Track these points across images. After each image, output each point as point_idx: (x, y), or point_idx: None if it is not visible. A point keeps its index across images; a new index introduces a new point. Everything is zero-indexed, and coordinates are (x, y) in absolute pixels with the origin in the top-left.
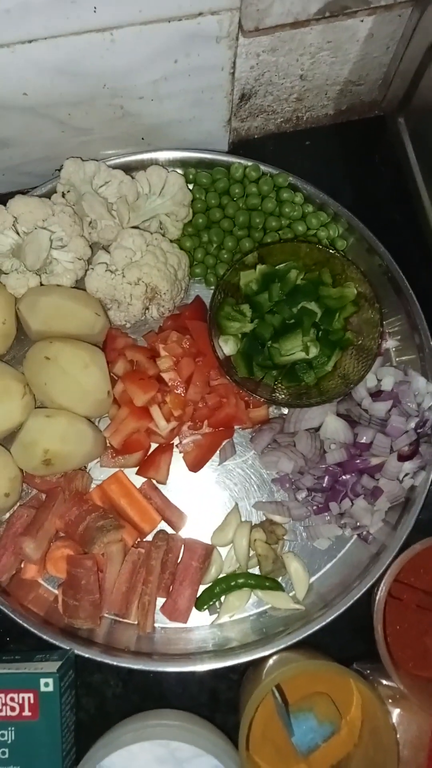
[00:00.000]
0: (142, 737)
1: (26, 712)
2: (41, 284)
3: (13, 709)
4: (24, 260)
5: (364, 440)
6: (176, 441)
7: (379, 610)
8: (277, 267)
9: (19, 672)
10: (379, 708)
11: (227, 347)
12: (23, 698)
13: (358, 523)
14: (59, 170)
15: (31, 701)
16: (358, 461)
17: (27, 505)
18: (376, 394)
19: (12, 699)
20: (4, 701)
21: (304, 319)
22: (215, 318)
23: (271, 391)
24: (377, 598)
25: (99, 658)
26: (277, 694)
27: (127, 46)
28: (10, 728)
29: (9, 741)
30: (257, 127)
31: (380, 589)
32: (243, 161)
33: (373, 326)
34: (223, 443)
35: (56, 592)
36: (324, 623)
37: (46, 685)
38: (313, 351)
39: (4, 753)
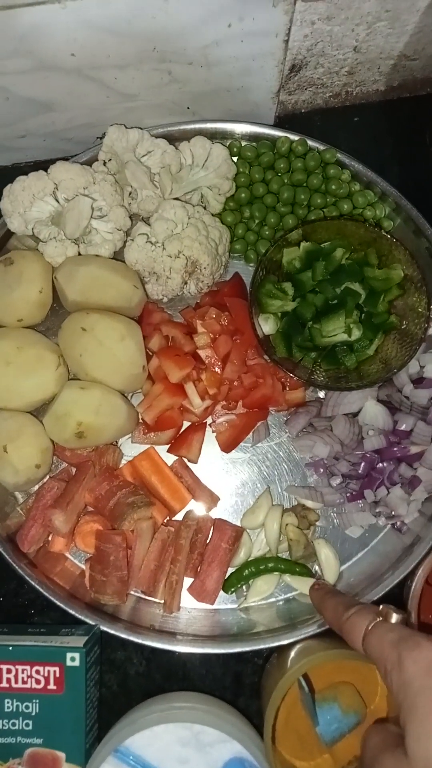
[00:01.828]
0: (167, 719)
1: (51, 686)
2: (79, 254)
3: (38, 681)
4: (63, 228)
5: (404, 427)
6: (209, 420)
7: (414, 597)
8: (321, 245)
9: (45, 645)
10: None
11: (267, 326)
12: (49, 671)
13: (393, 513)
14: (101, 138)
15: (57, 675)
16: (396, 449)
17: (57, 478)
18: (418, 381)
19: (38, 672)
20: (29, 673)
21: (348, 299)
22: (256, 295)
23: (310, 373)
24: (413, 585)
25: (123, 635)
26: (304, 684)
27: (182, 6)
28: (34, 700)
29: (33, 713)
30: (305, 100)
31: (417, 575)
32: (290, 135)
33: (418, 311)
34: (257, 425)
35: (83, 566)
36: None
37: (72, 659)
38: (356, 333)
39: (27, 725)
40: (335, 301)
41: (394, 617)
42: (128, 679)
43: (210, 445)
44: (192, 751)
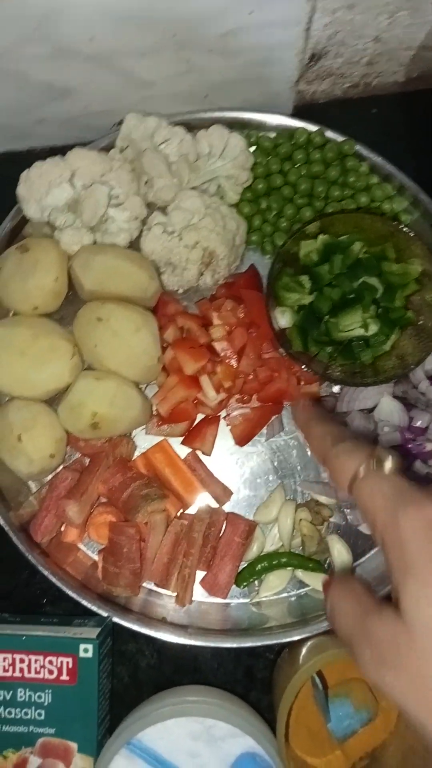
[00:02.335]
0: (179, 713)
1: (64, 676)
2: (95, 242)
3: (51, 672)
4: (81, 215)
5: (419, 424)
6: (223, 414)
7: None
8: (339, 238)
9: (58, 636)
10: None
11: (283, 319)
12: (62, 662)
13: None
14: (117, 125)
15: (70, 666)
16: (411, 446)
17: (71, 468)
18: None
19: (50, 662)
20: (42, 663)
21: (365, 294)
22: (273, 288)
23: (325, 367)
24: None
25: (135, 627)
26: (318, 681)
27: None
28: (47, 690)
29: (45, 703)
30: (323, 91)
31: None
32: (308, 126)
33: None
34: (272, 419)
35: (95, 557)
36: None
37: (86, 650)
38: (373, 328)
39: (40, 714)
40: (352, 296)
41: (389, 462)
42: (139, 672)
43: (224, 438)
44: (203, 745)
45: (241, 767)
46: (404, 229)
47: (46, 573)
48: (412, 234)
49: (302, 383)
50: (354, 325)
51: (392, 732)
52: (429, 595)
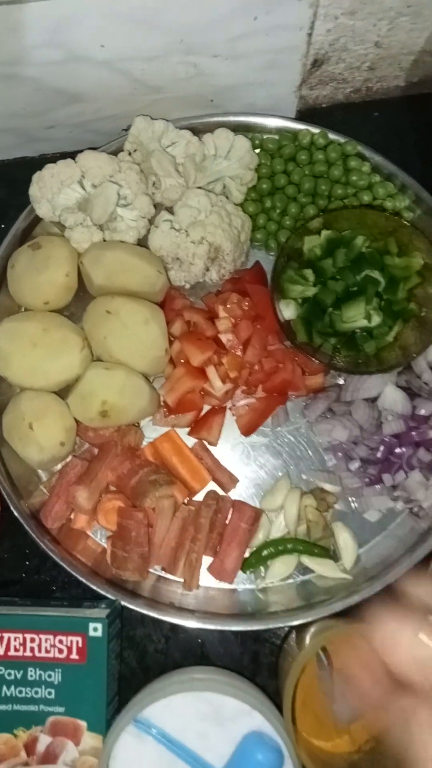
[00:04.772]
0: (186, 688)
1: (74, 655)
2: (104, 240)
3: (61, 651)
4: (91, 213)
5: (422, 413)
6: (229, 405)
7: None
8: (342, 234)
9: (69, 615)
10: None
11: (288, 311)
12: (72, 641)
13: (411, 497)
14: (126, 130)
15: (80, 645)
16: (415, 433)
17: (81, 457)
18: None
19: (60, 641)
20: (53, 643)
21: (368, 287)
22: (278, 281)
23: (330, 358)
24: None
25: (143, 611)
26: (323, 657)
27: None
28: (57, 669)
29: (56, 682)
30: (326, 95)
31: None
32: (311, 128)
33: None
34: (277, 409)
35: (104, 544)
36: (370, 594)
37: (95, 629)
38: (376, 319)
39: (50, 693)
40: (355, 288)
41: None
42: (147, 656)
43: (230, 429)
44: (211, 725)
45: (248, 745)
46: (406, 224)
47: (56, 558)
48: (414, 228)
49: (307, 374)
50: (357, 316)
51: None
52: None
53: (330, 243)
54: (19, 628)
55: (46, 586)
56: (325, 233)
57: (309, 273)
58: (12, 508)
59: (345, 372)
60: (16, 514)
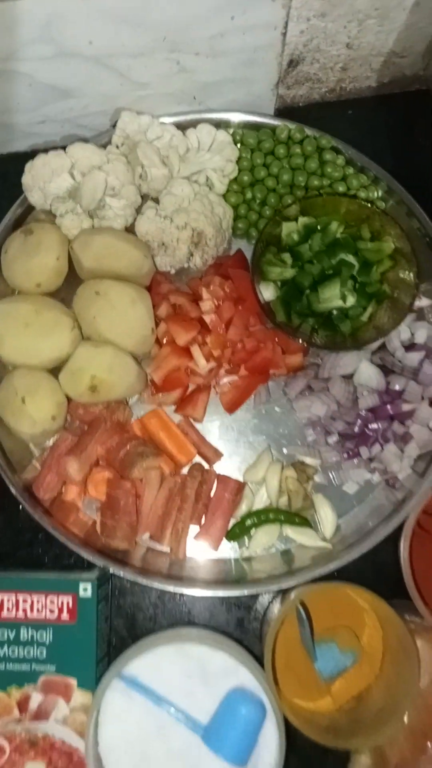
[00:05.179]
0: (173, 641)
1: (64, 615)
2: (93, 227)
3: (51, 611)
4: (80, 201)
5: (396, 387)
6: (213, 384)
7: (406, 537)
8: (318, 219)
9: (59, 578)
10: (401, 635)
11: (268, 292)
12: (62, 601)
13: (387, 469)
14: (113, 126)
15: (70, 605)
16: (389, 407)
17: (71, 432)
18: (410, 347)
19: (52, 602)
20: (44, 603)
21: (343, 269)
22: (257, 263)
23: (308, 336)
24: (405, 526)
25: (133, 577)
26: (302, 612)
27: None
28: (48, 629)
29: (47, 642)
30: (302, 95)
31: (409, 518)
32: (288, 123)
33: (407, 282)
34: (259, 388)
35: (95, 518)
36: (349, 561)
37: (85, 590)
38: (350, 300)
39: (42, 652)
40: (331, 272)
41: None
42: (136, 625)
43: (214, 408)
44: (197, 682)
45: (232, 700)
46: (378, 210)
47: (48, 528)
48: (386, 214)
49: (287, 354)
50: (333, 297)
51: (377, 676)
52: None
53: (306, 229)
54: (11, 588)
55: (38, 559)
56: (302, 220)
57: (287, 257)
58: (6, 481)
59: (322, 348)
60: (10, 487)
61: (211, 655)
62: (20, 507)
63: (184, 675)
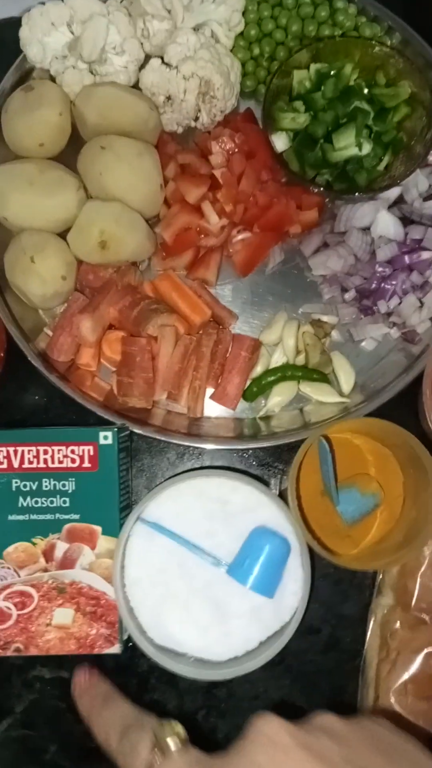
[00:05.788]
0: (194, 476)
1: (86, 464)
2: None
3: (73, 461)
4: (81, 50)
5: (416, 237)
6: (226, 246)
7: (428, 375)
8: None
9: (79, 428)
10: (422, 475)
11: (280, 142)
12: (83, 450)
13: (405, 322)
14: None
15: (91, 453)
16: (407, 258)
17: (82, 293)
18: (429, 197)
19: (72, 451)
20: (65, 453)
21: (358, 116)
22: (269, 111)
23: (323, 186)
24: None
25: (151, 434)
26: (325, 443)
27: None
28: (70, 479)
29: (70, 491)
30: None
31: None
32: None
33: (425, 131)
34: (272, 249)
35: (111, 383)
36: (366, 412)
37: (105, 438)
38: (366, 148)
39: (65, 502)
40: (345, 120)
41: (173, 744)
42: (155, 483)
43: (227, 272)
44: (219, 522)
45: (256, 538)
46: (395, 54)
47: (65, 390)
48: (403, 55)
49: (301, 210)
50: (349, 145)
51: (398, 520)
52: None
53: (319, 75)
54: (31, 441)
55: (53, 425)
56: (313, 66)
57: (299, 104)
58: (20, 347)
59: (337, 195)
60: (24, 351)
61: (232, 493)
62: (35, 374)
63: (205, 517)
